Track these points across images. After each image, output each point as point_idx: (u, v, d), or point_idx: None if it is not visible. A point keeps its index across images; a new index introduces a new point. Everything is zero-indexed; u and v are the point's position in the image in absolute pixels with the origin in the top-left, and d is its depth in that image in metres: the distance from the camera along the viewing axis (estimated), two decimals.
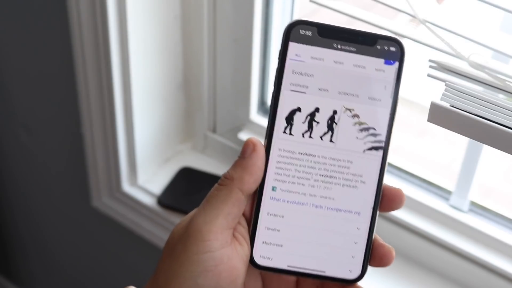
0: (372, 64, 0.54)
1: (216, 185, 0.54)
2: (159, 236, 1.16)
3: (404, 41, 0.55)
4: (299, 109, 0.55)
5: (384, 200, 0.55)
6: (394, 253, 0.55)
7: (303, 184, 0.55)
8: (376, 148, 0.55)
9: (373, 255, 0.55)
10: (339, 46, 0.54)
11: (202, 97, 1.13)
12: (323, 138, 0.55)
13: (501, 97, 0.70)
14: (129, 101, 1.07)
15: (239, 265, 0.53)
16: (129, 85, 1.05)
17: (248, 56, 1.04)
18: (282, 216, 0.55)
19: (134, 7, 0.99)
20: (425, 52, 0.73)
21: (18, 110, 1.32)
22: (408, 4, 0.72)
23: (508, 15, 0.83)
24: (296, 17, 1.04)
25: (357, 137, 0.55)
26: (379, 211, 0.55)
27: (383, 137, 0.55)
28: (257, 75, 1.07)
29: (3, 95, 1.31)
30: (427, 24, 0.71)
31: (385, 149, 0.55)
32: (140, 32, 1.02)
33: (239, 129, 1.13)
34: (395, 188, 0.55)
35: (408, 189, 1.02)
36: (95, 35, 1.02)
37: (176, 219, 1.12)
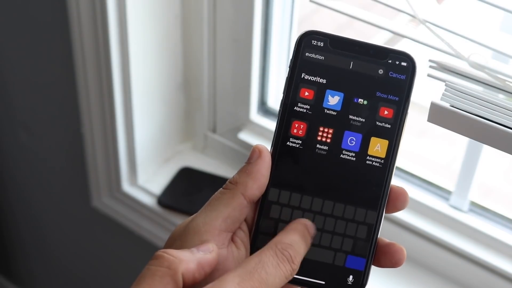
0: None
1: (220, 188, 0.54)
2: (159, 236, 1.16)
3: (414, 56, 0.55)
4: None
5: (388, 199, 0.55)
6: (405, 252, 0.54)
7: None
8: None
9: (385, 254, 0.55)
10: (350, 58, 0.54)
11: (202, 97, 1.13)
12: None
13: (501, 97, 0.70)
14: (129, 101, 1.07)
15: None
16: (129, 85, 1.05)
17: (248, 56, 1.04)
18: None
19: (134, 7, 0.99)
20: (425, 52, 0.73)
21: (18, 110, 1.32)
22: (408, 4, 0.72)
23: (508, 15, 0.83)
24: (296, 16, 1.04)
25: None
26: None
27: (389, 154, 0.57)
28: (257, 75, 1.07)
29: (3, 95, 1.31)
30: (427, 24, 0.72)
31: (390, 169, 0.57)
32: (140, 32, 1.02)
33: (239, 129, 1.13)
34: (398, 187, 0.55)
35: (408, 189, 1.02)
36: (95, 35, 1.02)
37: (176, 219, 1.12)
